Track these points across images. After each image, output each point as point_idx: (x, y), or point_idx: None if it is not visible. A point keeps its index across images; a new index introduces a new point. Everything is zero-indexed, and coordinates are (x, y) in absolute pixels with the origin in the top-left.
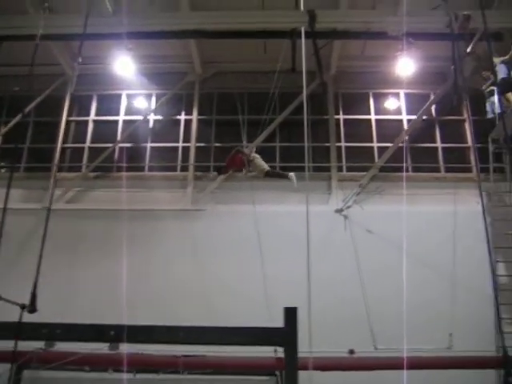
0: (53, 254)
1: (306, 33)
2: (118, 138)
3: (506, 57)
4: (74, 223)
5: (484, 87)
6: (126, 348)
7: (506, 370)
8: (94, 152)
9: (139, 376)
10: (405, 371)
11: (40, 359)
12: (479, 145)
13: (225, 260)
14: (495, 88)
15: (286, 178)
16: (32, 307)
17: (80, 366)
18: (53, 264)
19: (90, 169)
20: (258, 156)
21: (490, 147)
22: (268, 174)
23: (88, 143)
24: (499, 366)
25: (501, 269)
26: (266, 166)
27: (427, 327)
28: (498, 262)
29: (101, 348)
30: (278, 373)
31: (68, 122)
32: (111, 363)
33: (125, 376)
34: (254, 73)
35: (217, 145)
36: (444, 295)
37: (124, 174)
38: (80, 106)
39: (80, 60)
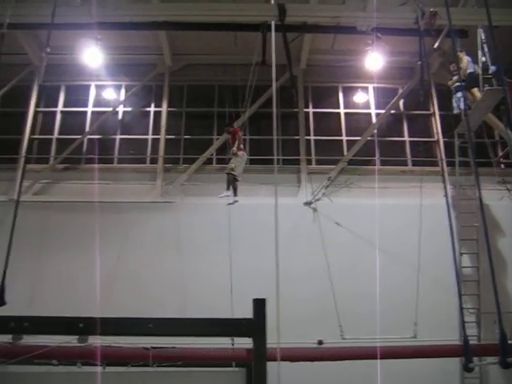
0: (20, 246)
1: (276, 26)
2: (87, 129)
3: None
4: (42, 215)
5: (450, 83)
6: (95, 341)
7: (466, 358)
8: (63, 143)
9: (109, 369)
10: (379, 361)
11: (7, 353)
12: (446, 139)
13: (195, 252)
14: (461, 84)
15: (228, 189)
16: (0, 300)
17: (48, 360)
18: (20, 257)
19: (58, 160)
20: (244, 156)
21: (456, 141)
22: (228, 176)
23: (56, 134)
24: (460, 353)
25: (465, 260)
26: (232, 168)
27: (393, 317)
28: (462, 254)
29: (69, 341)
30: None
31: (35, 113)
32: (80, 356)
33: (94, 369)
34: (224, 65)
35: (186, 137)
36: (410, 286)
37: (93, 165)
38: (48, 96)
39: (48, 50)
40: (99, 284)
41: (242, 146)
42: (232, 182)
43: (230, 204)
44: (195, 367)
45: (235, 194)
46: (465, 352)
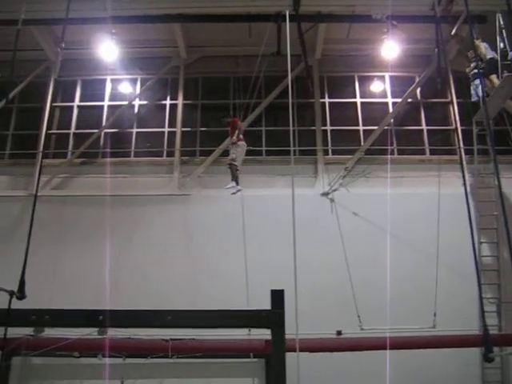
0: (40, 240)
1: (290, 16)
2: (104, 123)
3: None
4: (60, 210)
5: (468, 70)
6: (114, 333)
7: (485, 348)
8: (80, 138)
9: (129, 361)
10: (388, 351)
11: (29, 346)
12: (464, 127)
13: (212, 244)
14: (479, 70)
15: (231, 180)
16: (21, 294)
17: (69, 352)
18: (40, 251)
19: (76, 155)
20: (241, 146)
21: (474, 129)
22: (229, 166)
23: (73, 129)
24: (480, 344)
25: (485, 250)
26: (233, 158)
27: (412, 307)
28: (482, 243)
29: (90, 333)
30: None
31: (52, 108)
32: (100, 348)
33: (115, 361)
34: (239, 57)
35: (203, 129)
36: (428, 276)
37: (110, 159)
38: (64, 91)
39: (63, 45)
40: (117, 278)
41: (241, 136)
42: (234, 172)
43: (233, 194)
44: (214, 358)
45: (237, 183)
46: (485, 342)
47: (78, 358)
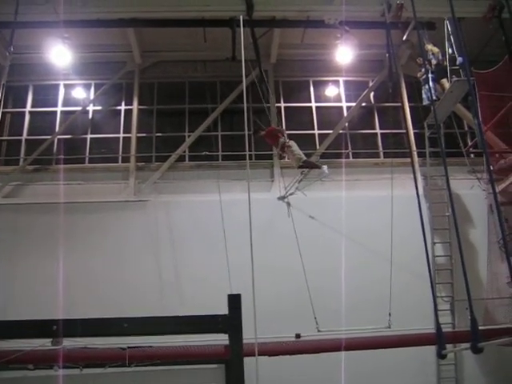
0: None
1: (244, 21)
2: (57, 129)
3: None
4: (13, 218)
5: (419, 75)
6: (70, 343)
7: (439, 345)
8: (32, 144)
9: (86, 371)
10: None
11: None
12: (416, 130)
13: (169, 250)
14: (429, 75)
15: (319, 168)
16: None
17: (23, 364)
18: None
19: (28, 162)
20: (294, 143)
21: (426, 132)
22: (305, 163)
23: (25, 135)
24: (433, 341)
25: (438, 250)
26: (302, 156)
27: (367, 308)
28: (435, 243)
29: (43, 344)
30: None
31: (3, 114)
32: (55, 359)
33: (71, 372)
34: (194, 62)
35: (158, 135)
36: (383, 277)
37: (64, 166)
38: (15, 97)
39: (12, 49)
40: (72, 286)
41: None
42: (311, 164)
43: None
44: (173, 365)
45: (320, 167)
46: (438, 339)
47: (33, 370)
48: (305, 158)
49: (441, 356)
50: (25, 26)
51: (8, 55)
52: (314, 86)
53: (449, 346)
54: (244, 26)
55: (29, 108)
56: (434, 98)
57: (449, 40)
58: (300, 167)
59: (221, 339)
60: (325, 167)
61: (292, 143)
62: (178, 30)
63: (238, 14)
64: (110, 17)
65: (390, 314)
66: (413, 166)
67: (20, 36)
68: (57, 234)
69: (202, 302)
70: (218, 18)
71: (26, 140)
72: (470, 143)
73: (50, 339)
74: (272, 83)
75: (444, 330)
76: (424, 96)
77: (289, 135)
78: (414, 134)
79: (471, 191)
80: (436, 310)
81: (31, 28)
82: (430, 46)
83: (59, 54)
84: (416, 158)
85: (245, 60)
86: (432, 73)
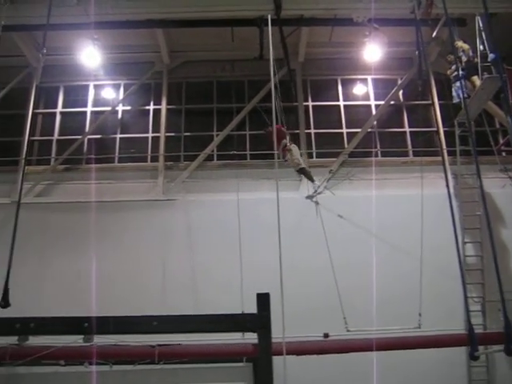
0: (23, 248)
1: (272, 20)
2: (87, 129)
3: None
4: (44, 217)
5: (449, 72)
6: (100, 340)
7: (471, 346)
8: (63, 144)
9: (116, 368)
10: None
11: (13, 355)
12: (446, 128)
13: (198, 249)
14: (460, 72)
15: (312, 181)
16: (4, 302)
17: (55, 360)
18: (24, 258)
19: (59, 161)
20: (295, 147)
21: (457, 131)
22: (302, 171)
23: (56, 135)
24: (465, 343)
25: (469, 249)
26: (301, 163)
27: (397, 309)
28: (466, 243)
29: (75, 341)
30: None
31: (35, 115)
32: (86, 356)
33: (101, 368)
34: (222, 61)
35: (187, 134)
36: (413, 277)
37: (94, 165)
38: (47, 97)
39: (44, 51)
40: (102, 284)
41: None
42: (307, 174)
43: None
44: (202, 363)
45: (312, 180)
46: (470, 341)
47: (64, 366)
48: (301, 166)
49: (473, 357)
50: (57, 27)
51: (41, 57)
52: (342, 85)
53: (480, 348)
54: (272, 25)
55: (60, 109)
56: (465, 95)
57: (480, 36)
58: (298, 172)
59: (237, 338)
60: (316, 182)
61: (293, 147)
62: (205, 30)
63: (266, 14)
64: (139, 18)
65: (420, 314)
66: (444, 165)
67: (51, 38)
68: (87, 232)
69: (226, 302)
70: (246, 18)
71: (57, 140)
72: (501, 141)
73: (82, 336)
74: (300, 82)
75: (475, 331)
76: (454, 94)
77: (317, 134)
78: (444, 132)
79: (503, 190)
80: (468, 310)
81: (62, 30)
82: (460, 43)
83: (89, 55)
84: (446, 157)
85: (273, 59)
86: (462, 70)
